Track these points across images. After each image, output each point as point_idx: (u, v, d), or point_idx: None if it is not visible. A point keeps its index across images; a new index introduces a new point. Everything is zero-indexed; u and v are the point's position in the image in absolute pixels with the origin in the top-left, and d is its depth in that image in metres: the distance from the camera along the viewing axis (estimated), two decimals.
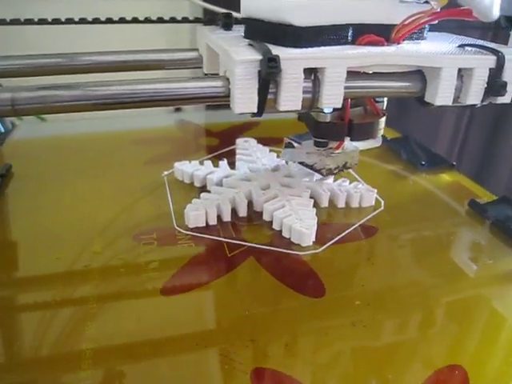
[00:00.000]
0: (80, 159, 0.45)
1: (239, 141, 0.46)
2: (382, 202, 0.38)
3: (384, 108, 0.33)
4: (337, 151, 0.34)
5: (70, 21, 0.37)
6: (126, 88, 0.23)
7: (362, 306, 0.27)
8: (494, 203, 0.38)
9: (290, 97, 0.23)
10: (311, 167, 0.36)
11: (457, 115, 0.91)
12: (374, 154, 0.48)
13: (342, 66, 0.24)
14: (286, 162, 0.39)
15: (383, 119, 0.32)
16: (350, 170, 0.42)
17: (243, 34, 0.28)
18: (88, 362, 0.23)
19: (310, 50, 0.24)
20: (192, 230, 0.33)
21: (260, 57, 0.22)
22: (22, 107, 0.21)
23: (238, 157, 0.42)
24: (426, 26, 0.28)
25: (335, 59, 0.23)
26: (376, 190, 0.38)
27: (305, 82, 0.23)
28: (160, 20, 0.37)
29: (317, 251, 0.31)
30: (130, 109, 0.23)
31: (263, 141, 0.46)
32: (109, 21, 0.36)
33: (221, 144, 0.49)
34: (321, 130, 0.32)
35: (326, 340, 0.25)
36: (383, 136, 0.50)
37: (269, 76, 0.22)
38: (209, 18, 0.39)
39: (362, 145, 0.36)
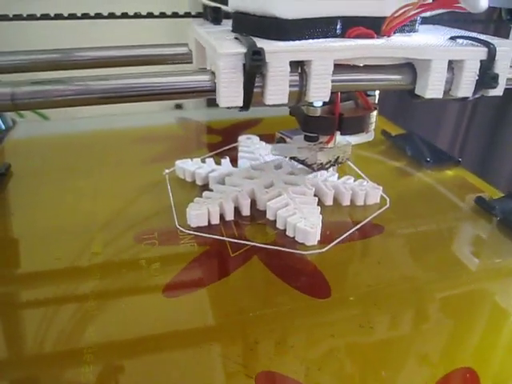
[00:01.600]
0: (80, 158, 0.45)
1: (242, 138, 0.45)
2: (388, 200, 0.37)
3: (376, 102, 0.32)
4: (328, 146, 0.34)
5: (72, 16, 0.37)
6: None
7: (369, 306, 0.27)
8: (501, 200, 0.38)
9: (277, 90, 0.23)
10: (302, 162, 0.36)
11: (458, 110, 0.90)
12: (378, 150, 0.47)
13: (328, 59, 0.23)
14: (292, 158, 0.38)
15: (374, 113, 0.32)
16: (355, 168, 0.42)
17: (231, 28, 0.28)
18: (89, 366, 0.22)
19: (296, 42, 0.24)
20: (194, 229, 0.32)
21: (244, 50, 0.22)
22: (21, 101, 0.21)
23: (240, 154, 0.42)
24: (418, 18, 0.28)
25: (321, 52, 0.23)
26: (381, 188, 0.37)
27: (291, 76, 0.23)
28: (162, 15, 0.36)
29: (322, 251, 0.31)
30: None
31: (266, 138, 0.46)
32: (111, 16, 0.36)
33: (223, 141, 0.48)
34: (311, 124, 0.31)
35: (333, 342, 0.24)
36: (387, 132, 0.50)
37: (253, 69, 0.22)
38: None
39: (353, 139, 0.35)
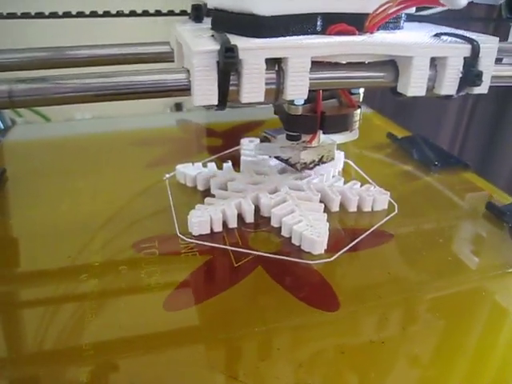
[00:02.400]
0: (77, 161, 0.43)
1: (244, 141, 0.44)
2: (396, 206, 0.36)
3: (360, 100, 0.32)
4: (311, 145, 0.33)
5: (67, 14, 0.36)
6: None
7: (379, 320, 0.25)
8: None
9: (253, 88, 0.23)
10: (286, 161, 0.35)
11: (458, 110, 0.89)
12: (384, 153, 0.46)
13: (305, 56, 0.23)
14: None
15: (358, 111, 0.31)
16: (361, 172, 0.40)
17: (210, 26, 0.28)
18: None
19: (272, 39, 0.23)
20: (196, 237, 0.31)
21: (218, 47, 0.21)
22: (19, 99, 0.21)
23: (242, 158, 0.40)
24: (403, 15, 0.27)
25: (298, 48, 0.23)
26: (389, 193, 0.36)
27: (268, 73, 0.23)
28: (158, 13, 0.35)
29: (329, 260, 0.29)
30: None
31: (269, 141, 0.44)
32: (106, 14, 0.35)
33: (224, 144, 0.47)
34: (292, 122, 0.31)
35: (342, 359, 0.23)
36: (393, 135, 0.49)
37: (227, 66, 0.21)
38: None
39: (338, 138, 0.35)
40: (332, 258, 0.30)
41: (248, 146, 0.43)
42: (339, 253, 0.30)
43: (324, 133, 0.31)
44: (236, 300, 0.26)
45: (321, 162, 0.35)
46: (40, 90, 0.21)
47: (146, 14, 0.35)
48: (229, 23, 0.25)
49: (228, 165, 0.39)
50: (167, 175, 0.39)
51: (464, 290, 0.28)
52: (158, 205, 0.35)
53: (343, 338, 0.25)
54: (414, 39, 0.25)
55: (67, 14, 0.37)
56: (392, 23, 0.27)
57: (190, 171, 0.38)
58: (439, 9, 0.31)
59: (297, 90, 0.23)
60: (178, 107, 1.34)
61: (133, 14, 0.35)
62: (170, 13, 0.36)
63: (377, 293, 0.27)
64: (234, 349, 0.24)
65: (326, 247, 0.30)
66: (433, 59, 0.24)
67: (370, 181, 0.39)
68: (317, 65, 0.23)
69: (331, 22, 0.25)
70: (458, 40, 0.25)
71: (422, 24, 0.31)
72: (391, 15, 0.25)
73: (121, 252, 0.30)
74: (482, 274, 0.30)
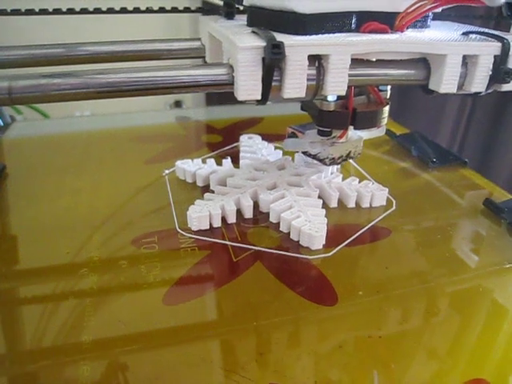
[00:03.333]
0: (76, 158, 0.44)
1: (243, 137, 0.44)
2: (394, 202, 0.36)
3: (388, 97, 0.32)
4: (340, 140, 0.34)
5: (71, 11, 0.36)
6: (126, 76, 0.22)
7: (377, 314, 0.26)
8: (509, 202, 0.37)
9: (295, 84, 0.23)
10: (314, 157, 0.35)
11: (458, 108, 0.90)
12: (383, 150, 0.46)
13: (346, 53, 0.23)
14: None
15: (387, 108, 0.32)
16: (360, 168, 0.41)
17: (246, 23, 0.28)
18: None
19: (314, 36, 0.24)
20: (195, 232, 0.31)
21: (264, 43, 0.22)
22: (19, 96, 0.21)
23: (242, 155, 0.41)
24: (430, 14, 0.28)
25: (340, 46, 0.23)
26: (387, 189, 0.36)
27: (309, 70, 0.23)
28: (161, 10, 0.35)
29: (327, 255, 0.30)
30: (132, 97, 0.23)
31: (268, 137, 0.45)
32: (110, 11, 0.35)
33: (224, 141, 0.47)
34: (324, 118, 0.31)
35: (341, 354, 0.23)
36: (392, 132, 0.49)
37: (273, 62, 0.22)
38: (210, 8, 0.40)
39: (365, 134, 0.35)
40: (330, 253, 0.30)
41: (247, 143, 0.43)
42: (337, 248, 0.30)
43: (355, 129, 0.32)
44: (235, 294, 0.27)
45: (348, 157, 0.35)
46: (40, 86, 0.21)
47: (149, 11, 0.35)
48: (267, 20, 0.26)
49: (227, 161, 0.39)
50: (166, 171, 0.39)
51: (462, 286, 0.29)
52: (158, 201, 0.35)
53: (341, 332, 0.25)
54: (445, 37, 0.25)
55: (71, 11, 0.37)
56: (420, 22, 0.27)
57: (190, 167, 0.38)
58: (453, 4, 0.31)
59: (337, 86, 0.24)
60: (178, 104, 1.34)
61: (136, 10, 0.35)
62: (174, 10, 0.36)
63: (374, 288, 0.28)
64: (233, 343, 0.24)
65: (324, 242, 0.30)
66: (464, 57, 0.25)
67: (369, 177, 0.39)
68: (353, 62, 0.24)
69: (364, 20, 0.25)
70: (488, 38, 0.26)
71: (444, 22, 0.31)
72: (423, 13, 0.26)
73: (120, 247, 0.30)
74: (480, 270, 0.30)
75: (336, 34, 0.25)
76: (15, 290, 0.28)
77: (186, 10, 0.41)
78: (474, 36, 0.26)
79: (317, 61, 0.24)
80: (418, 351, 0.24)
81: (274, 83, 0.23)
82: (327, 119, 0.31)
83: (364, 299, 0.27)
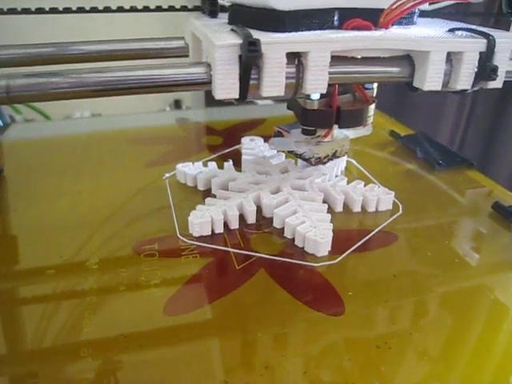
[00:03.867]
0: (74, 161, 0.43)
1: (245, 139, 0.43)
2: (400, 206, 0.35)
3: (374, 95, 0.32)
4: (325, 139, 0.33)
5: (67, 10, 0.36)
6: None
7: (386, 324, 0.25)
8: None
9: (273, 82, 0.23)
10: (300, 156, 0.35)
11: (457, 106, 0.89)
12: (387, 152, 0.46)
13: (325, 50, 0.23)
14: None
15: (372, 106, 0.31)
16: (365, 171, 0.40)
17: (227, 21, 0.28)
18: None
19: (292, 34, 0.24)
20: (197, 239, 0.30)
21: (240, 41, 0.22)
22: (16, 94, 0.21)
23: (243, 157, 0.40)
24: (416, 10, 0.27)
25: (319, 43, 0.23)
26: (393, 193, 0.35)
27: (288, 67, 0.23)
28: (159, 9, 0.35)
29: (333, 262, 0.29)
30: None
31: (269, 139, 0.44)
32: (106, 10, 0.35)
33: (225, 143, 0.46)
34: (308, 117, 0.31)
35: (349, 366, 0.22)
36: (396, 133, 0.48)
37: (249, 60, 0.22)
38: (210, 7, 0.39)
39: (351, 133, 0.35)
40: (336, 260, 0.29)
41: (249, 145, 0.42)
42: (343, 255, 0.29)
43: (340, 127, 0.31)
44: (238, 304, 0.26)
45: (334, 156, 0.35)
46: (38, 85, 0.21)
47: (146, 9, 0.34)
48: (247, 18, 0.25)
49: (229, 164, 0.38)
50: (167, 174, 0.38)
51: (471, 293, 0.28)
52: (158, 205, 0.34)
53: (349, 342, 0.24)
54: (429, 34, 0.25)
55: (68, 10, 0.37)
56: (406, 18, 0.27)
57: (191, 170, 0.37)
58: (443, 3, 0.31)
59: (316, 84, 0.23)
60: (177, 104, 1.33)
61: (133, 9, 0.34)
62: (171, 8, 0.35)
63: (382, 296, 0.27)
64: (237, 355, 0.23)
65: (330, 249, 0.29)
66: (449, 54, 0.25)
67: (374, 180, 0.38)
68: (335, 59, 0.23)
69: (347, 17, 0.25)
70: (474, 35, 0.25)
71: (432, 19, 0.30)
72: (407, 10, 0.25)
73: (120, 254, 0.29)
74: (490, 276, 0.29)
75: (316, 32, 0.24)
76: (12, 293, 0.27)
77: (183, 8, 0.41)
78: (459, 33, 0.26)
79: (296, 58, 0.23)
80: (429, 362, 0.23)
81: (252, 81, 0.23)
82: (311, 118, 0.31)
83: (372, 309, 0.26)
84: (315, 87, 0.23)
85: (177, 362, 0.22)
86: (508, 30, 0.31)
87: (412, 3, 0.25)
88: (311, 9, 0.24)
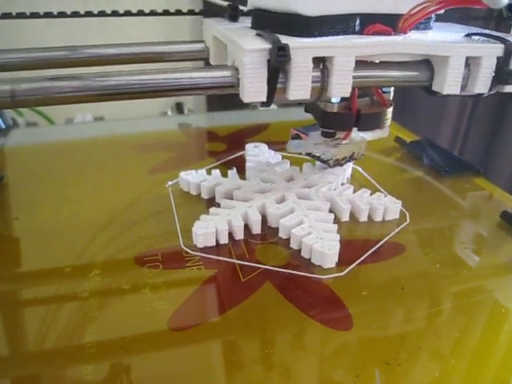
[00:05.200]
0: (76, 168, 0.42)
1: (249, 146, 0.43)
2: (407, 215, 0.34)
3: (391, 98, 0.32)
4: (344, 142, 0.34)
5: (75, 14, 0.37)
6: (130, 78, 0.23)
7: (395, 340, 0.24)
8: None
9: (299, 86, 0.23)
10: (318, 158, 0.35)
11: (458, 109, 0.88)
12: (393, 159, 0.45)
13: (350, 55, 0.23)
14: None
15: (390, 109, 0.32)
16: (371, 179, 0.39)
17: (250, 25, 0.29)
18: None
19: (318, 39, 0.24)
20: (201, 250, 0.30)
21: (269, 46, 0.22)
22: (21, 99, 0.21)
23: (247, 165, 0.39)
24: (433, 15, 0.28)
25: (344, 48, 0.23)
26: (400, 202, 0.34)
27: (313, 72, 0.23)
28: (165, 12, 0.35)
29: (340, 274, 0.28)
30: (136, 99, 0.23)
31: (274, 145, 0.43)
32: (114, 14, 0.35)
33: (228, 149, 0.46)
34: (328, 120, 0.32)
35: (357, 383, 0.22)
36: (402, 139, 0.47)
37: (278, 65, 0.22)
38: (215, 10, 0.40)
39: (369, 135, 0.35)
40: (343, 272, 0.28)
41: (253, 152, 0.42)
42: (350, 267, 0.29)
43: (359, 130, 0.32)
44: (244, 319, 0.25)
45: (351, 158, 0.35)
46: (42, 89, 0.21)
47: (153, 13, 0.34)
48: (271, 23, 0.26)
49: (233, 172, 0.37)
50: (170, 182, 0.38)
51: (484, 306, 0.27)
52: (161, 214, 0.34)
53: (358, 358, 0.23)
54: (448, 39, 0.26)
55: (76, 14, 0.37)
56: (423, 23, 0.27)
57: (194, 179, 0.36)
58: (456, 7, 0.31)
59: (341, 88, 0.24)
60: (179, 106, 1.33)
61: (141, 13, 0.34)
62: (178, 12, 0.35)
63: (391, 310, 0.26)
64: (244, 373, 0.22)
65: (337, 260, 0.29)
66: (467, 59, 0.25)
67: (380, 188, 0.37)
68: (357, 64, 0.24)
69: (367, 23, 0.26)
70: (491, 40, 0.26)
71: (446, 24, 0.31)
72: (427, 15, 0.26)
73: (123, 266, 0.29)
74: (503, 289, 0.28)
75: (340, 37, 0.25)
76: (11, 300, 0.26)
77: (190, 12, 0.41)
78: (476, 38, 0.26)
79: (321, 63, 0.24)
80: (440, 380, 0.22)
81: (278, 85, 0.23)
82: (331, 121, 0.32)
83: (380, 323, 0.25)
84: (340, 91, 0.24)
85: (182, 380, 0.22)
86: (508, 34, 0.32)
87: (431, 9, 0.25)
88: (335, 14, 0.25)
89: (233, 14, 0.31)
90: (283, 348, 0.23)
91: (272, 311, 0.26)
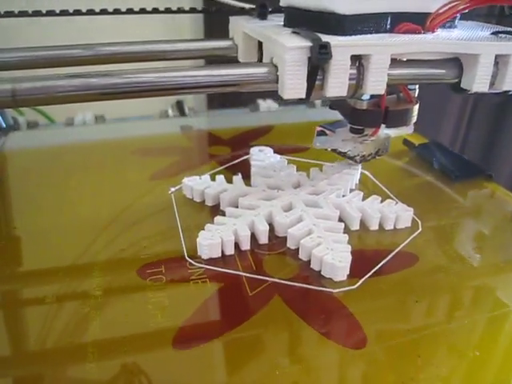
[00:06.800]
0: (76, 174, 0.41)
1: (253, 150, 0.41)
2: (420, 223, 0.33)
3: (416, 95, 0.33)
4: (371, 138, 0.34)
5: (78, 12, 0.37)
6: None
7: (411, 358, 0.23)
8: None
9: (338, 83, 0.24)
10: (344, 154, 0.36)
11: (459, 108, 0.87)
12: (402, 163, 0.44)
13: (386, 53, 0.24)
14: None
15: (416, 106, 0.32)
16: (380, 184, 0.38)
17: (283, 23, 0.29)
18: None
19: (354, 37, 0.25)
20: (206, 261, 0.29)
21: (309, 43, 0.23)
22: (22, 98, 0.21)
23: (253, 170, 0.38)
24: (458, 14, 0.28)
25: (381, 46, 0.24)
26: (412, 210, 0.33)
27: (350, 69, 0.24)
28: (167, 11, 0.34)
29: (352, 287, 0.27)
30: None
31: (280, 150, 0.42)
32: (116, 12, 0.35)
33: (232, 153, 0.44)
34: (358, 116, 0.32)
35: None
36: (410, 142, 0.46)
37: (320, 62, 0.23)
38: (217, 9, 0.40)
39: (393, 131, 0.35)
40: (355, 286, 0.27)
41: (258, 156, 0.40)
42: (362, 279, 0.28)
43: (387, 127, 0.32)
44: (252, 336, 0.24)
45: (377, 154, 0.36)
46: (44, 88, 0.21)
47: (156, 11, 0.33)
48: (305, 21, 0.26)
49: (238, 178, 0.36)
50: (172, 189, 0.37)
51: (504, 321, 0.26)
52: (164, 223, 0.33)
53: (371, 378, 0.22)
54: (476, 37, 0.26)
55: (78, 12, 0.36)
56: (449, 22, 0.28)
57: (198, 185, 0.35)
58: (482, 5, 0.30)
59: (376, 85, 0.25)
60: (179, 105, 1.31)
61: (143, 11, 0.34)
62: (180, 10, 0.34)
63: (406, 325, 0.25)
64: None
65: (348, 272, 0.28)
66: (495, 56, 0.25)
67: (391, 195, 0.36)
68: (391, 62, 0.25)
69: (397, 21, 0.26)
70: None
71: (467, 22, 0.31)
72: (455, 14, 0.26)
73: (125, 279, 0.28)
74: None
75: (375, 35, 0.25)
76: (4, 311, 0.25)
77: (192, 10, 0.40)
78: (503, 36, 0.27)
79: (357, 61, 0.24)
80: None
81: (316, 82, 0.24)
82: (360, 117, 0.32)
83: (396, 340, 0.24)
84: (375, 88, 0.25)
85: None
86: None
87: (461, 7, 0.26)
88: (369, 13, 0.25)
89: (262, 12, 0.32)
90: (295, 368, 0.22)
91: (282, 329, 0.25)
